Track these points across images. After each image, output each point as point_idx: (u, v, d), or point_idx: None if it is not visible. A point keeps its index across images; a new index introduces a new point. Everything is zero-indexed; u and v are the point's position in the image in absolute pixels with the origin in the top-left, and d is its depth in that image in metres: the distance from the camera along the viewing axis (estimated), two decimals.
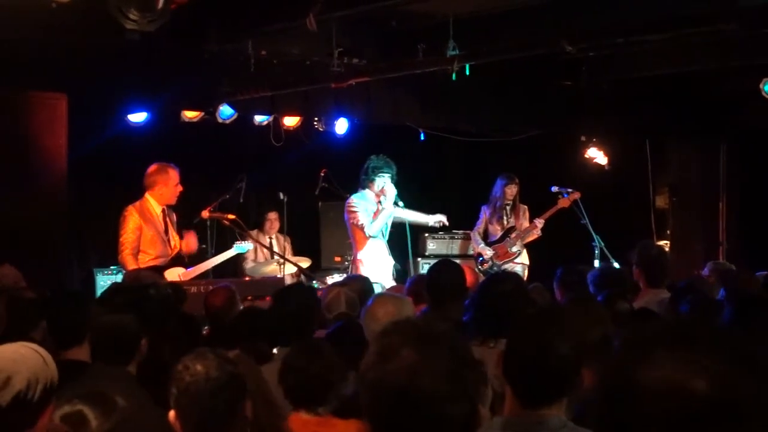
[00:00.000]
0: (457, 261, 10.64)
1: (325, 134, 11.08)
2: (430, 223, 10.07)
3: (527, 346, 2.94)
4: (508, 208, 10.74)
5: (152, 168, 8.35)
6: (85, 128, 9.24)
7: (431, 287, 5.47)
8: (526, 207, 10.83)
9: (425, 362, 1.96)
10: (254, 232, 10.23)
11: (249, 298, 7.26)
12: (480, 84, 9.67)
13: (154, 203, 8.28)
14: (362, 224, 9.28)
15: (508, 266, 10.49)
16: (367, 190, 9.42)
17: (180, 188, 8.38)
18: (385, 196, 9.34)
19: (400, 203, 9.53)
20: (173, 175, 8.33)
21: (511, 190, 10.69)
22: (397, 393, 1.95)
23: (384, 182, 9.37)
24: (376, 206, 9.36)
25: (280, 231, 10.54)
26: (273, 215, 10.39)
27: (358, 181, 9.52)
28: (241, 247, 9.11)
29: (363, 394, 2.02)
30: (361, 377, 2.02)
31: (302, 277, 9.26)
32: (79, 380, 3.90)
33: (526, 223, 10.70)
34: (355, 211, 9.31)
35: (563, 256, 8.52)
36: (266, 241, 10.20)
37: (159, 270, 8.08)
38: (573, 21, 8.09)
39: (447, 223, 10.07)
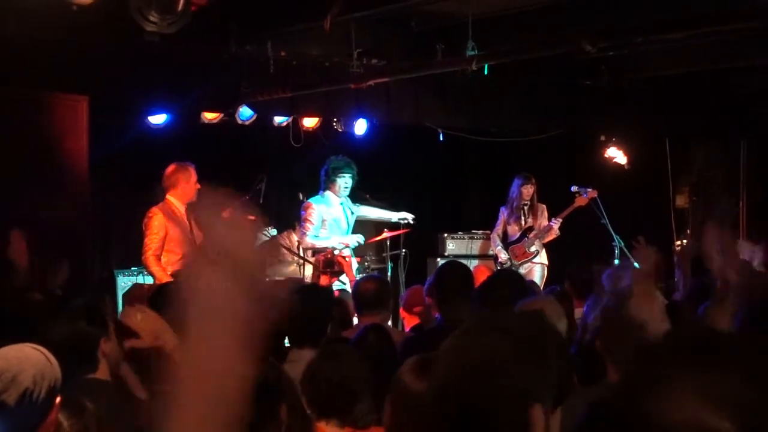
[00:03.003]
0: (476, 261, 10.68)
1: (344, 135, 11.08)
2: (394, 220, 9.97)
3: None
4: (525, 208, 10.71)
5: (171, 168, 8.37)
6: (106, 130, 9.26)
7: (438, 287, 5.48)
8: (544, 206, 10.80)
9: (503, 344, 1.98)
10: (286, 233, 10.27)
11: None
12: (499, 84, 9.67)
13: (177, 203, 8.30)
14: (304, 233, 9.34)
15: (527, 266, 10.47)
16: (328, 192, 9.45)
17: (198, 186, 8.42)
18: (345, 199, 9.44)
19: (357, 207, 9.65)
20: (192, 172, 8.36)
21: (528, 190, 10.67)
22: (471, 369, 1.96)
23: (345, 183, 9.40)
24: (337, 208, 9.40)
25: None
26: None
27: (318, 182, 9.53)
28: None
29: (438, 371, 2.04)
30: (439, 356, 2.03)
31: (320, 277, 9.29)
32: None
33: (545, 223, 10.68)
34: (307, 219, 9.36)
35: (583, 255, 8.50)
36: (294, 241, 10.22)
37: None
38: (592, 20, 8.07)
39: (411, 222, 9.96)
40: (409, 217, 9.90)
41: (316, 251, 9.36)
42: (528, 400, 2.00)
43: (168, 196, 8.30)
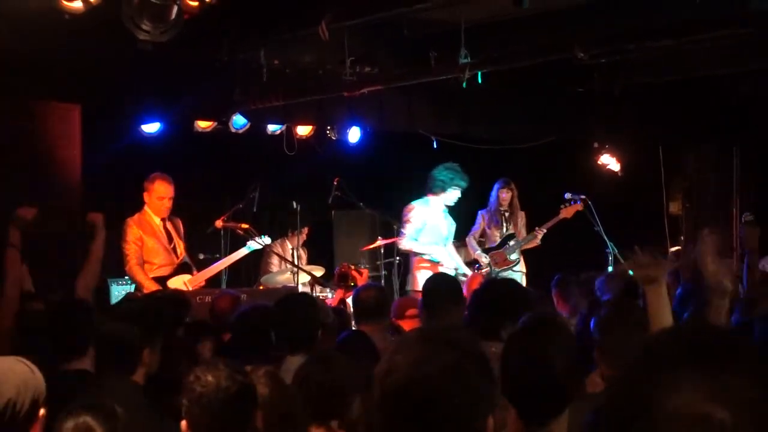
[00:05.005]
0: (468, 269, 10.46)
1: (337, 143, 11.08)
2: (460, 271, 9.56)
3: (520, 363, 2.83)
4: (507, 214, 10.48)
5: (148, 178, 8.37)
6: (99, 139, 9.24)
7: (426, 300, 5.49)
8: (524, 213, 10.63)
9: (430, 356, 1.99)
10: (279, 241, 10.24)
11: None
12: (493, 91, 9.64)
13: (151, 213, 8.31)
14: (404, 233, 9.28)
15: (506, 274, 10.21)
16: (432, 197, 9.37)
17: (166, 203, 8.30)
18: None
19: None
20: (159, 187, 8.26)
21: (505, 195, 10.44)
22: (400, 385, 1.98)
23: (457, 196, 9.37)
24: (438, 215, 9.36)
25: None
26: (305, 230, 10.29)
27: (425, 184, 9.45)
28: (250, 246, 9.05)
29: (374, 386, 2.06)
30: (376, 370, 2.06)
31: (316, 285, 9.26)
32: (87, 390, 3.91)
33: (524, 231, 10.53)
34: (408, 220, 9.31)
35: (576, 263, 8.48)
36: (288, 249, 10.18)
37: (162, 280, 8.10)
38: (585, 27, 8.06)
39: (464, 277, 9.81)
40: (468, 274, 9.55)
41: (413, 255, 9.35)
42: (483, 413, 2.02)
43: (144, 206, 8.32)
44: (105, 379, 4.04)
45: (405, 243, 9.33)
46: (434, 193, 9.38)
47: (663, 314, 3.59)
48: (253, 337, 4.98)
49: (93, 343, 4.36)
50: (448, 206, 9.54)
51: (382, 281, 10.06)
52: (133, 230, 8.18)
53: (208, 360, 4.59)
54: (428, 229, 9.39)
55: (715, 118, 11.27)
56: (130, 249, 8.14)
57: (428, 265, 9.24)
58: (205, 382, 3.15)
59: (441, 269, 9.14)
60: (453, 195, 9.38)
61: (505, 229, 10.47)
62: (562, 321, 3.20)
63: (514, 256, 10.41)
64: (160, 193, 8.27)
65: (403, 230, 9.33)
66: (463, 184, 9.38)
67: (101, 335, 4.15)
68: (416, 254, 9.35)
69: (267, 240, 9.17)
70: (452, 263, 9.46)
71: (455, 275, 9.12)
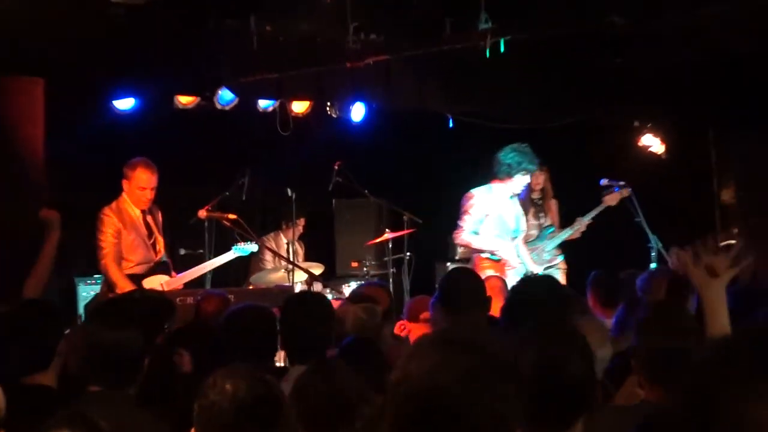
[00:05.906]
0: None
1: (339, 121, 11.01)
2: (527, 271, 9.24)
3: (531, 364, 2.85)
4: (541, 202, 10.32)
5: (128, 163, 8.31)
6: (65, 117, 9.21)
7: (446, 295, 5.45)
8: (556, 201, 10.43)
9: (448, 362, 2.03)
10: (273, 234, 10.21)
11: None
12: (516, 63, 9.57)
13: (130, 202, 8.26)
14: (461, 226, 9.02)
15: (550, 272, 10.01)
16: (497, 184, 9.13)
17: (148, 194, 8.25)
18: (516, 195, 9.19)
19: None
20: (141, 175, 8.20)
21: (537, 179, 10.15)
22: (415, 391, 2.02)
23: (527, 181, 9.18)
24: (505, 204, 9.15)
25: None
26: (301, 221, 10.25)
27: (490, 170, 9.20)
28: (241, 249, 8.99)
29: (388, 394, 2.10)
30: (390, 378, 2.10)
31: (314, 285, 9.21)
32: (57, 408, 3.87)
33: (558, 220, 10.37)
34: (467, 211, 9.05)
35: (616, 258, 8.43)
36: (283, 245, 10.14)
37: (137, 279, 8.06)
38: None
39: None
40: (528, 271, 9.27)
41: (472, 252, 9.14)
42: (508, 425, 2.04)
43: (123, 194, 8.27)
44: (102, 393, 4.02)
45: (463, 237, 9.06)
46: (500, 179, 9.11)
47: (721, 318, 3.60)
48: (248, 341, 4.96)
49: (58, 354, 4.34)
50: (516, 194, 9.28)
51: (390, 280, 10.03)
52: (112, 221, 8.12)
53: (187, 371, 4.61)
54: (491, 221, 9.11)
55: None
56: (108, 242, 8.09)
57: (490, 264, 8.96)
58: (221, 389, 3.18)
59: (507, 269, 8.94)
60: (521, 181, 9.11)
61: (541, 220, 10.26)
62: (575, 325, 3.25)
63: (553, 252, 10.20)
64: (141, 183, 8.22)
65: (460, 222, 9.04)
66: (533, 168, 9.14)
67: (104, 346, 4.11)
68: (475, 251, 9.10)
69: (254, 247, 9.09)
70: (518, 261, 9.21)
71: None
